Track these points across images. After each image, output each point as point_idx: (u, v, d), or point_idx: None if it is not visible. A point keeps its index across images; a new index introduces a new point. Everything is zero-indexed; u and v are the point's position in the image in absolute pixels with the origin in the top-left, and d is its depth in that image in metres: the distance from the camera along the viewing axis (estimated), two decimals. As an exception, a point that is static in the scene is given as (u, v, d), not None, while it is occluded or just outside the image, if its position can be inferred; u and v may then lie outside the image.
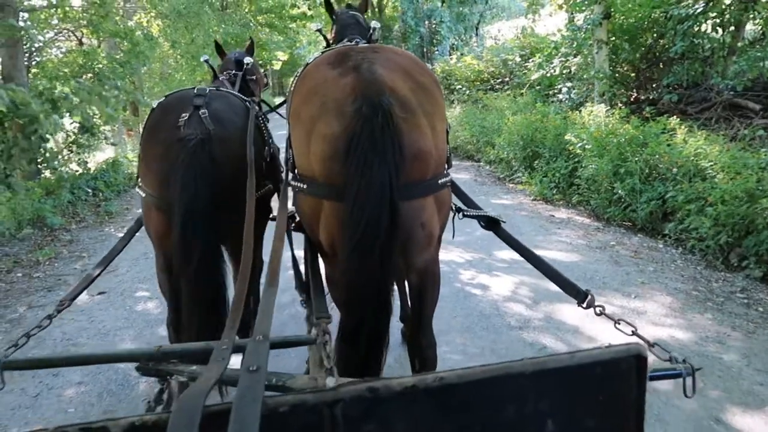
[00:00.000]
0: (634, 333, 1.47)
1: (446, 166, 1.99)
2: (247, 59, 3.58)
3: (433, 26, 20.41)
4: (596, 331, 3.64)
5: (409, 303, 2.28)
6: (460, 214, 2.30)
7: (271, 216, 2.88)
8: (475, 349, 3.55)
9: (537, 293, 4.35)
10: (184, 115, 2.26)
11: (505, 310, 4.12)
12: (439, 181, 1.87)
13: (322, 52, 2.15)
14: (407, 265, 1.98)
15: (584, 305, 1.72)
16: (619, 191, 6.06)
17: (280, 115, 3.25)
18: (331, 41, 3.11)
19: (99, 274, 2.22)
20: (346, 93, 1.70)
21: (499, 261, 5.15)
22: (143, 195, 2.40)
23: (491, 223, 2.24)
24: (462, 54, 17.42)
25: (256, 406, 0.86)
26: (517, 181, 8.49)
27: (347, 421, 0.94)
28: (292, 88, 2.08)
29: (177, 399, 1.02)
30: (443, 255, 5.18)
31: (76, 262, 5.76)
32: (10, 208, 6.69)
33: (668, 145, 5.92)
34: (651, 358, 1.27)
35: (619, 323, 1.53)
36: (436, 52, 20.42)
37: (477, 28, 21.44)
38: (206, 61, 3.55)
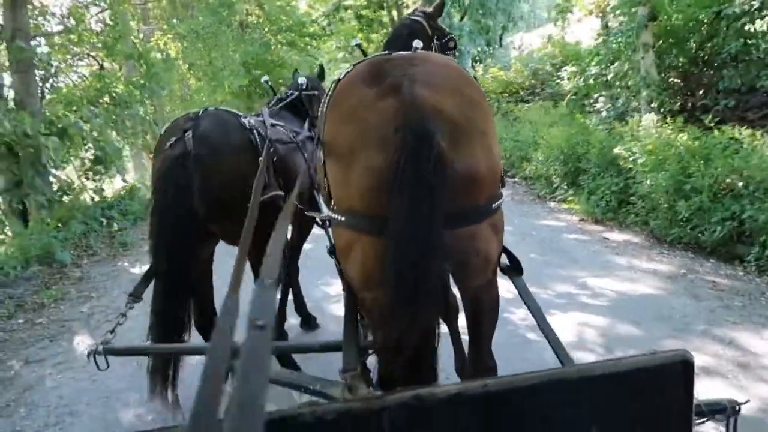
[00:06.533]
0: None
1: (500, 186, 1.83)
2: (301, 79, 3.84)
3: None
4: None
5: (468, 330, 2.14)
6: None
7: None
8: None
9: (608, 338, 3.71)
10: (172, 138, 2.48)
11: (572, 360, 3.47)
12: (493, 205, 1.73)
13: (353, 65, 1.90)
14: (464, 290, 1.96)
15: None
16: (683, 211, 5.39)
17: None
18: None
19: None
20: (387, 119, 1.55)
21: (555, 295, 4.51)
22: None
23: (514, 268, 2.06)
24: (487, 66, 16.85)
25: (264, 375, 0.75)
26: (559, 200, 7.84)
27: (393, 430, 0.93)
28: (324, 109, 1.86)
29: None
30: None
31: (83, 304, 5.26)
32: (18, 244, 6.26)
33: (740, 157, 5.23)
34: None
35: None
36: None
37: (501, 39, 20.85)
38: (266, 81, 4.03)
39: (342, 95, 1.79)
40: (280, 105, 3.63)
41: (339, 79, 1.89)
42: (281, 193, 2.75)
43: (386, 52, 2.10)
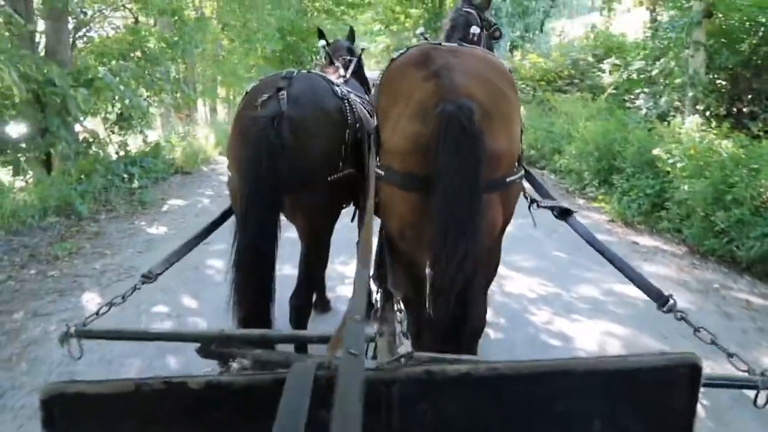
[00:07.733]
0: (713, 342, 1.46)
1: (517, 165, 2.11)
2: (363, 44, 3.96)
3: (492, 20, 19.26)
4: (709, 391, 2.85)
5: None
6: (535, 204, 2.39)
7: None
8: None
9: (631, 350, 3.52)
10: (264, 95, 2.33)
11: (592, 372, 3.31)
12: (507, 180, 2.01)
13: (408, 48, 2.30)
14: None
15: (664, 309, 1.70)
16: (720, 222, 5.13)
17: None
18: None
19: (188, 251, 2.26)
20: (428, 95, 1.88)
21: (579, 299, 4.32)
22: (229, 176, 2.50)
23: (563, 213, 2.30)
24: (525, 51, 16.38)
25: (358, 390, 0.84)
26: (589, 197, 7.58)
27: (402, 401, 0.97)
28: (379, 83, 2.29)
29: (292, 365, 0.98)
30: (510, 286, 4.44)
31: (97, 260, 5.20)
32: (38, 192, 6.22)
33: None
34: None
35: (699, 331, 1.52)
36: (495, 48, 19.28)
37: (542, 24, 20.25)
38: (324, 47, 3.87)
39: (395, 75, 2.16)
40: (351, 73, 3.55)
41: (393, 59, 2.27)
42: (353, 170, 2.60)
43: (437, 42, 2.47)
